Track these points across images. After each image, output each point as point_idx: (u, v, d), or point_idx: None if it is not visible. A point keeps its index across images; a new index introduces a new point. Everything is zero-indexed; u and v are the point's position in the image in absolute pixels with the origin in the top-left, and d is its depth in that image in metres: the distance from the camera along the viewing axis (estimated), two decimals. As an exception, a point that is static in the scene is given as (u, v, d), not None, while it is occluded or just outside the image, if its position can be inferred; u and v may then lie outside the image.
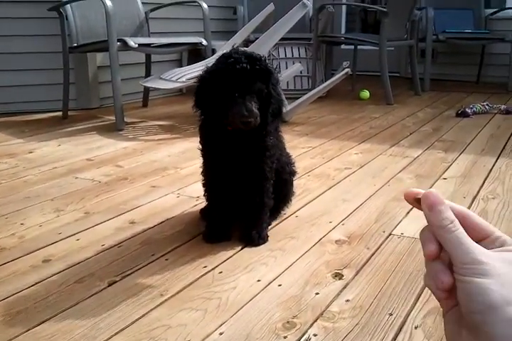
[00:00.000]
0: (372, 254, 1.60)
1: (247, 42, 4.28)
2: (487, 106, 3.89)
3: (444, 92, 4.93)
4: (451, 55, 5.69)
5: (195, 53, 4.56)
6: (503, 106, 3.91)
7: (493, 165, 2.54)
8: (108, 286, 1.45)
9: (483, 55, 5.48)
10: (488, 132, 3.28)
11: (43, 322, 1.28)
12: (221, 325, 1.25)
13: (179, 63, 4.95)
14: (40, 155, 2.82)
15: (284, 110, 1.64)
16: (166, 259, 1.61)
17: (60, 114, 3.83)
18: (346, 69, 3.82)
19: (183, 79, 3.39)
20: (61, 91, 3.75)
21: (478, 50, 5.45)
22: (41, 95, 4.01)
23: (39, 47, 3.94)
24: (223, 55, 1.53)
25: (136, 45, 3.40)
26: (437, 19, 5.11)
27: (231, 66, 1.47)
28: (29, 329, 1.25)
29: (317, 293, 1.37)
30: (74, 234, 1.80)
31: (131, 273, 1.53)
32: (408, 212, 1.94)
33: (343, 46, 5.93)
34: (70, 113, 3.86)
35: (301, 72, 4.46)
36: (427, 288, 1.40)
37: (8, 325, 1.27)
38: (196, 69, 3.54)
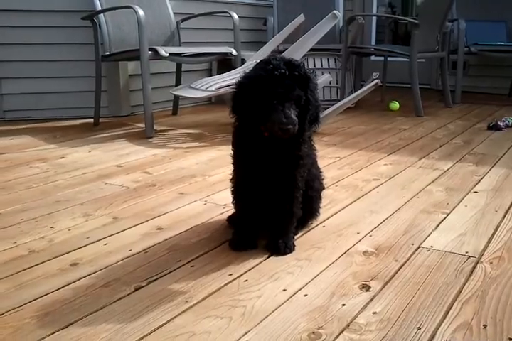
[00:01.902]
0: (401, 267, 1.58)
1: (277, 53, 4.30)
2: (520, 120, 3.81)
3: (476, 105, 4.85)
4: (482, 67, 5.62)
5: (225, 63, 4.58)
6: (536, 120, 3.83)
7: (526, 179, 2.48)
8: (134, 291, 1.46)
9: (516, 67, 5.39)
10: (521, 146, 3.22)
11: (70, 324, 1.29)
12: (246, 333, 1.24)
13: (209, 73, 4.99)
14: (71, 161, 2.87)
15: (321, 116, 1.61)
16: (192, 266, 1.61)
17: (91, 120, 3.90)
18: (376, 81, 3.80)
19: (213, 88, 3.42)
20: (93, 99, 3.82)
21: (511, 63, 5.37)
22: (74, 102, 4.09)
23: (72, 55, 4.02)
24: (262, 61, 1.52)
25: (167, 54, 3.44)
26: (469, 31, 5.06)
27: (270, 72, 1.46)
28: (56, 332, 1.26)
29: (343, 305, 1.36)
30: (102, 239, 1.81)
31: (157, 278, 1.53)
32: (438, 225, 1.91)
33: (372, 57, 5.91)
34: (101, 120, 3.92)
35: (330, 83, 4.46)
36: (456, 302, 1.37)
37: (36, 326, 1.28)
38: (226, 78, 3.56)
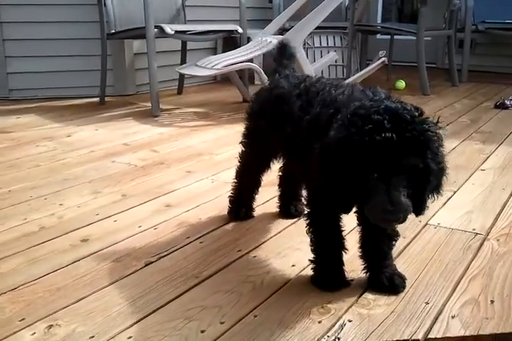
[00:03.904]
0: (409, 243, 1.59)
1: (283, 31, 4.26)
2: (527, 99, 3.79)
3: (482, 84, 4.81)
4: (490, 45, 5.55)
5: (230, 41, 4.55)
6: (544, 99, 3.80)
7: (534, 158, 2.48)
8: (144, 266, 1.48)
9: (524, 46, 5.33)
10: (528, 124, 3.20)
11: (82, 299, 1.31)
12: (255, 307, 1.26)
13: (214, 51, 4.96)
14: (78, 139, 2.88)
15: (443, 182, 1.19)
16: (201, 242, 1.63)
17: (97, 99, 3.89)
18: (382, 59, 3.78)
19: (219, 66, 3.40)
20: (99, 78, 3.80)
21: (519, 41, 5.31)
22: (79, 81, 4.08)
23: (78, 33, 4.00)
24: (357, 114, 1.09)
25: (173, 32, 3.41)
26: (477, 9, 4.98)
27: (368, 135, 1.04)
28: (68, 306, 1.28)
29: (352, 280, 1.37)
30: (111, 216, 1.83)
31: (167, 254, 1.55)
32: (445, 203, 1.92)
33: (378, 36, 5.85)
34: (107, 99, 3.91)
35: (336, 61, 4.43)
36: (464, 278, 1.38)
37: (47, 300, 1.30)
38: (231, 56, 3.54)
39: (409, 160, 1.06)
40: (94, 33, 3.76)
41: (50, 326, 1.19)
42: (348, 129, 1.08)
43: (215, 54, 4.57)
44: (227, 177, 2.19)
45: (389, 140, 1.03)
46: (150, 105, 3.52)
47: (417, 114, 1.08)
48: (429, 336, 1.14)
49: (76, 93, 4.08)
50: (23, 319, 1.22)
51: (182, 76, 4.26)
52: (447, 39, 4.71)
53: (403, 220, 1.09)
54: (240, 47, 3.81)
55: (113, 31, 3.72)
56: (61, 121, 3.34)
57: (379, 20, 6.50)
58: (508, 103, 3.71)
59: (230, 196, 1.81)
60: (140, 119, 3.37)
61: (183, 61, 4.17)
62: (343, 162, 1.09)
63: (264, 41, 3.58)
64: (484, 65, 5.52)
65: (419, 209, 1.14)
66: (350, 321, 1.19)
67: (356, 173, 1.08)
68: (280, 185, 1.82)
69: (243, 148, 1.72)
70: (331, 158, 1.11)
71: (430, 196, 1.16)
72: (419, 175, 1.09)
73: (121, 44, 4.13)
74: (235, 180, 1.78)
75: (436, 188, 1.16)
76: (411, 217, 1.77)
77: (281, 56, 1.72)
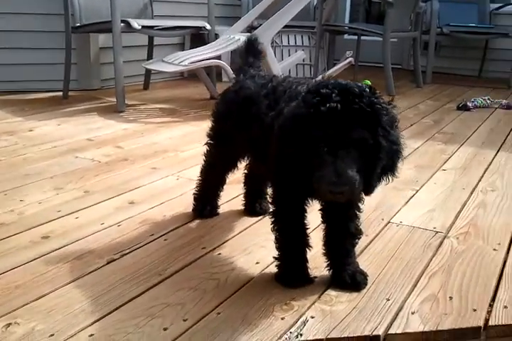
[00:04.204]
0: (371, 241, 1.61)
1: (251, 29, 4.26)
2: (488, 101, 3.88)
3: (446, 85, 4.92)
4: (454, 48, 5.67)
5: (198, 38, 4.53)
6: (504, 101, 3.91)
7: (493, 159, 2.54)
8: (107, 264, 1.46)
9: (486, 49, 5.46)
10: (489, 126, 3.29)
11: (42, 296, 1.29)
12: (219, 305, 1.26)
13: (182, 47, 4.92)
14: (40, 134, 2.81)
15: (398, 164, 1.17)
16: (165, 240, 1.62)
17: (60, 94, 3.81)
18: (349, 59, 3.82)
19: (186, 62, 3.37)
20: (62, 72, 3.72)
21: (482, 45, 5.44)
22: (42, 74, 3.98)
23: (42, 26, 3.90)
24: (309, 91, 1.12)
25: (140, 27, 3.37)
26: (442, 12, 5.08)
27: (315, 107, 1.06)
28: (27, 304, 1.25)
29: (315, 277, 1.38)
30: (73, 212, 1.80)
31: (130, 251, 1.53)
32: (407, 202, 1.95)
33: (346, 36, 5.91)
34: (70, 93, 3.84)
35: (303, 60, 4.46)
36: (424, 276, 1.41)
37: (6, 298, 1.27)
38: (199, 53, 3.52)
39: (356, 132, 1.05)
40: (59, 25, 3.68)
41: (9, 324, 1.16)
42: (299, 105, 1.11)
43: (183, 50, 4.54)
44: (193, 174, 2.17)
45: (333, 110, 1.04)
46: (115, 100, 3.47)
47: (368, 90, 1.08)
48: (390, 332, 1.16)
49: (38, 87, 3.98)
50: (-21, 317, 1.19)
51: (148, 71, 4.21)
52: (413, 41, 4.79)
53: (349, 194, 1.08)
54: (207, 43, 3.79)
55: (78, 24, 3.65)
56: (23, 115, 3.26)
57: (347, 21, 6.57)
58: (470, 105, 3.80)
59: (194, 193, 1.80)
60: (104, 115, 3.32)
61: (150, 56, 4.13)
62: (296, 137, 1.09)
63: (232, 38, 3.57)
64: (448, 67, 5.63)
65: (368, 187, 1.12)
66: (312, 317, 1.20)
67: (308, 147, 1.08)
68: (245, 183, 1.83)
69: (208, 149, 1.71)
70: (285, 134, 1.12)
71: (383, 177, 1.16)
72: (370, 151, 1.08)
73: (87, 38, 4.05)
74: (200, 178, 1.77)
75: (391, 170, 1.15)
76: (373, 215, 1.81)
77: (248, 53, 1.70)
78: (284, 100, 1.31)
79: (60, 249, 1.54)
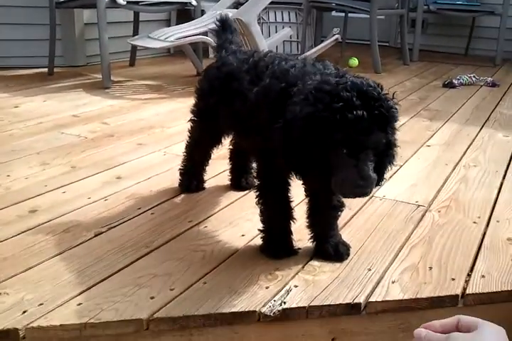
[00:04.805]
0: (355, 214, 1.64)
1: (238, 4, 4.22)
2: (474, 78, 3.91)
3: (433, 63, 4.92)
4: (441, 26, 5.66)
5: (185, 14, 4.48)
6: (489, 79, 3.93)
7: (477, 135, 2.58)
8: (94, 236, 1.48)
9: (472, 27, 5.45)
10: (474, 103, 3.31)
11: (30, 268, 1.31)
12: (205, 275, 1.29)
13: (168, 23, 4.86)
14: (26, 110, 2.80)
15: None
16: (152, 213, 1.64)
17: (45, 70, 3.77)
18: (336, 36, 3.81)
19: (172, 38, 3.35)
20: (47, 48, 3.68)
21: (468, 23, 5.43)
22: (27, 51, 3.92)
23: (26, 1, 3.83)
24: (323, 90, 1.09)
25: (125, 3, 3.33)
26: (429, -11, 5.07)
27: (340, 114, 1.05)
28: (16, 275, 1.28)
29: (299, 248, 1.41)
30: (60, 187, 1.81)
31: (118, 225, 1.55)
32: (391, 176, 1.98)
33: (333, 13, 5.86)
34: (55, 70, 3.79)
35: (290, 37, 4.43)
36: (405, 247, 1.45)
37: (-6, 270, 1.29)
38: (185, 29, 3.49)
39: (376, 136, 1.08)
40: (43, 1, 3.62)
41: (-2, 294, 1.19)
42: (315, 105, 1.08)
43: (169, 26, 4.49)
44: (179, 150, 2.17)
45: (360, 118, 1.04)
46: (101, 77, 3.45)
47: (380, 90, 1.10)
48: (370, 300, 1.20)
49: (23, 63, 3.93)
50: (-31, 288, 1.21)
51: (134, 48, 4.17)
52: (400, 18, 4.78)
53: (369, 193, 1.12)
54: (194, 20, 3.75)
55: (62, 0, 3.59)
56: (8, 91, 3.23)
57: (334, -3, 6.51)
58: (456, 82, 3.82)
59: (180, 169, 1.82)
60: (90, 91, 3.30)
61: (136, 32, 4.08)
62: (309, 138, 1.09)
63: (218, 14, 3.54)
64: (435, 44, 5.63)
65: (379, 180, 1.16)
66: (296, 286, 1.24)
67: (323, 149, 1.09)
68: (231, 159, 1.84)
69: (193, 125, 1.72)
70: (296, 134, 1.11)
71: (388, 168, 1.21)
72: (381, 149, 1.12)
73: (71, 13, 3.99)
74: (185, 154, 1.79)
75: (392, 160, 1.21)
76: (358, 189, 1.83)
77: (224, 31, 1.70)
78: (268, 76, 1.31)
79: (47, 222, 1.55)
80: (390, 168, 1.22)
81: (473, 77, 3.92)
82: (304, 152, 1.12)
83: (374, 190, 1.79)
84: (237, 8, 3.84)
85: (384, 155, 1.15)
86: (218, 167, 1.93)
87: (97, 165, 2.02)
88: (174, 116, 2.75)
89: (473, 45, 5.51)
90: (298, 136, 1.11)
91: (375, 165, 1.12)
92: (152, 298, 1.19)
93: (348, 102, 1.05)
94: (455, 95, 3.56)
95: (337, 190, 1.14)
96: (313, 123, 1.08)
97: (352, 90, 1.06)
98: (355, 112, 1.04)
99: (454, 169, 2.09)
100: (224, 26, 1.72)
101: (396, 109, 1.11)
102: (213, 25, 1.78)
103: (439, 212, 1.69)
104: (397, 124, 1.17)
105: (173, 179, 1.86)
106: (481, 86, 3.87)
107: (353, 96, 1.05)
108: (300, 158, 1.13)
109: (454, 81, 3.82)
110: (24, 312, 1.13)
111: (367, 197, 1.76)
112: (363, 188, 1.09)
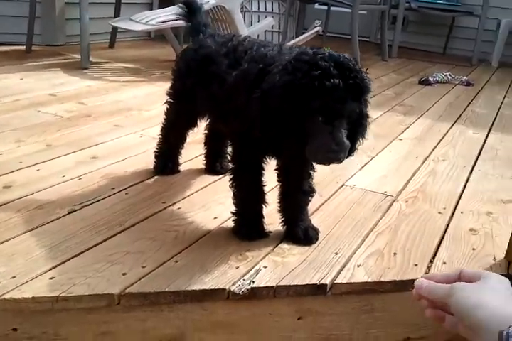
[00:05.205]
0: (325, 201, 1.69)
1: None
2: (449, 77, 3.99)
3: (411, 60, 5.00)
4: (421, 24, 5.75)
5: (167, -2, 4.46)
6: (464, 78, 4.02)
7: (448, 131, 2.65)
8: (68, 214, 1.49)
9: (451, 27, 5.56)
10: (447, 101, 3.39)
11: (3, 242, 1.32)
12: (177, 253, 1.32)
13: (150, 6, 4.83)
14: (2, 87, 2.77)
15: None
16: (126, 193, 1.66)
17: (23, 48, 3.72)
18: (317, 28, 3.84)
19: (153, 22, 3.33)
20: (26, 25, 3.63)
21: (448, 22, 5.53)
22: (5, 27, 3.87)
23: (5, -24, 3.77)
24: (302, 59, 1.13)
25: (108, -17, 3.30)
26: (412, -13, 5.13)
27: (318, 81, 1.09)
28: (-13, 249, 1.28)
29: (270, 232, 1.45)
30: (35, 165, 1.81)
31: (91, 203, 1.57)
32: (363, 167, 2.03)
33: (316, 5, 5.89)
34: (34, 48, 3.75)
35: (272, 27, 4.45)
36: (372, 233, 1.50)
37: (-34, 243, 1.30)
38: (167, 13, 3.47)
39: (350, 105, 1.13)
40: (23, -24, 3.57)
41: (-31, 266, 1.20)
42: (294, 74, 1.12)
43: (151, 10, 4.46)
44: (156, 132, 2.16)
45: (336, 86, 1.09)
46: (79, 57, 3.42)
47: (355, 63, 1.15)
48: (336, 281, 1.24)
49: (0, 39, 3.87)
50: None
51: (115, 30, 4.14)
52: (381, 14, 4.84)
53: (343, 159, 1.16)
54: (175, 4, 3.74)
55: (43, -23, 3.55)
56: (-17, 67, 3.19)
57: (317, -10, 6.54)
58: (432, 80, 3.90)
59: (155, 151, 1.83)
60: (68, 71, 3.27)
61: (117, 14, 4.06)
62: (286, 106, 1.13)
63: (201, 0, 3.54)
64: (414, 42, 5.71)
65: (351, 150, 1.21)
66: (265, 267, 1.28)
67: (300, 117, 1.13)
68: (206, 143, 1.86)
69: (168, 107, 1.73)
70: (274, 103, 1.15)
71: (359, 139, 1.25)
72: (354, 118, 1.17)
73: (52, -9, 3.94)
74: (160, 136, 1.80)
75: (363, 132, 1.25)
76: (329, 178, 1.88)
77: (193, 14, 1.70)
78: (246, 60, 1.34)
79: (21, 198, 1.56)
80: (361, 140, 1.26)
81: (449, 75, 4.00)
82: (281, 121, 1.15)
83: (343, 178, 1.87)
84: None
85: (357, 125, 1.20)
86: (193, 151, 1.95)
87: (72, 145, 2.02)
88: (152, 99, 2.75)
89: (451, 44, 5.62)
90: (276, 104, 1.14)
91: (349, 134, 1.16)
92: (124, 274, 1.21)
93: (326, 71, 1.09)
94: (430, 92, 3.64)
95: (311, 157, 1.17)
96: (292, 91, 1.12)
97: (330, 60, 1.11)
98: (332, 80, 1.08)
99: (423, 162, 2.15)
100: (191, 9, 1.71)
101: (369, 80, 1.17)
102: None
103: (406, 202, 1.74)
104: (369, 97, 1.22)
105: (149, 161, 1.87)
106: (456, 84, 3.96)
107: (330, 65, 1.10)
108: (277, 127, 1.16)
109: (429, 78, 3.90)
110: (-4, 283, 1.14)
111: (338, 186, 1.82)
112: (336, 153, 1.12)
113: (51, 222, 1.44)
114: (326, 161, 1.16)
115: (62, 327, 1.14)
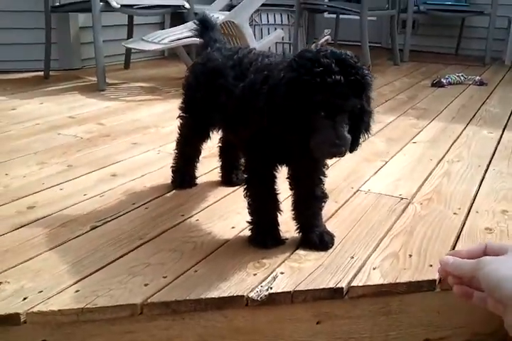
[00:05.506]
0: (340, 207, 1.71)
1: (230, 7, 4.29)
2: (462, 77, 3.99)
3: (423, 63, 5.01)
4: (431, 26, 5.75)
5: (178, 17, 4.55)
6: (477, 78, 4.01)
7: (462, 132, 2.65)
8: (90, 230, 1.54)
9: (462, 27, 5.55)
10: (461, 102, 3.39)
11: (29, 259, 1.37)
12: (196, 264, 1.36)
13: (162, 26, 4.93)
14: (23, 112, 2.87)
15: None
16: (146, 208, 1.71)
17: (41, 73, 3.84)
18: (327, 36, 3.90)
19: (166, 41, 3.42)
20: (43, 51, 3.75)
21: (458, 23, 5.52)
22: (23, 54, 4.00)
23: (21, 5, 3.90)
24: (305, 57, 1.18)
25: (119, 6, 3.41)
26: (419, -10, 5.16)
27: (320, 77, 1.14)
28: (16, 266, 1.34)
29: (286, 239, 1.48)
30: (57, 185, 1.87)
31: (112, 219, 1.62)
32: (377, 172, 2.06)
33: (325, 15, 5.95)
34: (51, 73, 3.87)
35: (282, 39, 4.50)
36: (387, 236, 1.52)
37: (-4, 261, 1.35)
38: (178, 32, 3.56)
39: (351, 101, 1.17)
40: (38, 5, 3.69)
41: (-1, 283, 1.25)
42: (298, 71, 1.16)
43: (163, 29, 4.56)
44: (173, 148, 2.25)
45: (338, 82, 1.13)
46: (96, 79, 3.52)
47: (357, 60, 1.19)
48: (352, 284, 1.27)
49: (19, 67, 4.00)
50: (-29, 278, 1.27)
51: (129, 51, 4.24)
52: (390, 19, 4.86)
53: (344, 154, 1.20)
54: (187, 22, 3.83)
55: (57, 4, 3.67)
56: (5, 94, 3.30)
57: None
58: (444, 81, 3.90)
59: (172, 166, 1.88)
60: (86, 93, 3.37)
61: (130, 36, 4.16)
62: (291, 102, 1.17)
63: (198, 15, 3.61)
64: (426, 45, 5.71)
65: (353, 145, 1.25)
66: (282, 273, 1.31)
67: (304, 112, 1.17)
68: (220, 156, 1.91)
69: (181, 121, 1.78)
70: (279, 99, 1.19)
71: (362, 135, 1.29)
72: (355, 114, 1.21)
73: (66, 17, 4.07)
74: (176, 151, 1.86)
75: (367, 129, 1.29)
76: (344, 184, 1.91)
77: (206, 30, 1.77)
78: (251, 72, 1.39)
79: (44, 217, 1.62)
80: (365, 135, 1.30)
81: (462, 76, 4.00)
82: (286, 116, 1.20)
83: (357, 184, 1.89)
84: (229, 11, 3.92)
85: (359, 121, 1.24)
86: (209, 165, 2.00)
87: (92, 164, 2.08)
88: (168, 116, 2.81)
89: (463, 45, 5.60)
90: (281, 100, 1.19)
91: (351, 130, 1.20)
92: (146, 285, 1.25)
93: (328, 67, 1.14)
94: (443, 94, 3.64)
95: (315, 151, 1.21)
96: (296, 88, 1.16)
97: (331, 57, 1.15)
98: (333, 77, 1.13)
99: (437, 164, 2.16)
100: (204, 25, 1.78)
101: (370, 76, 1.20)
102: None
103: (421, 204, 1.76)
104: (372, 93, 1.26)
105: (167, 176, 1.92)
106: (469, 85, 3.95)
107: (332, 62, 1.14)
108: (282, 122, 1.21)
109: (442, 80, 3.90)
110: (24, 298, 1.19)
111: (352, 191, 1.85)
112: (338, 147, 1.16)
113: (74, 238, 1.49)
114: (329, 155, 1.22)
115: (88, 338, 1.19)
